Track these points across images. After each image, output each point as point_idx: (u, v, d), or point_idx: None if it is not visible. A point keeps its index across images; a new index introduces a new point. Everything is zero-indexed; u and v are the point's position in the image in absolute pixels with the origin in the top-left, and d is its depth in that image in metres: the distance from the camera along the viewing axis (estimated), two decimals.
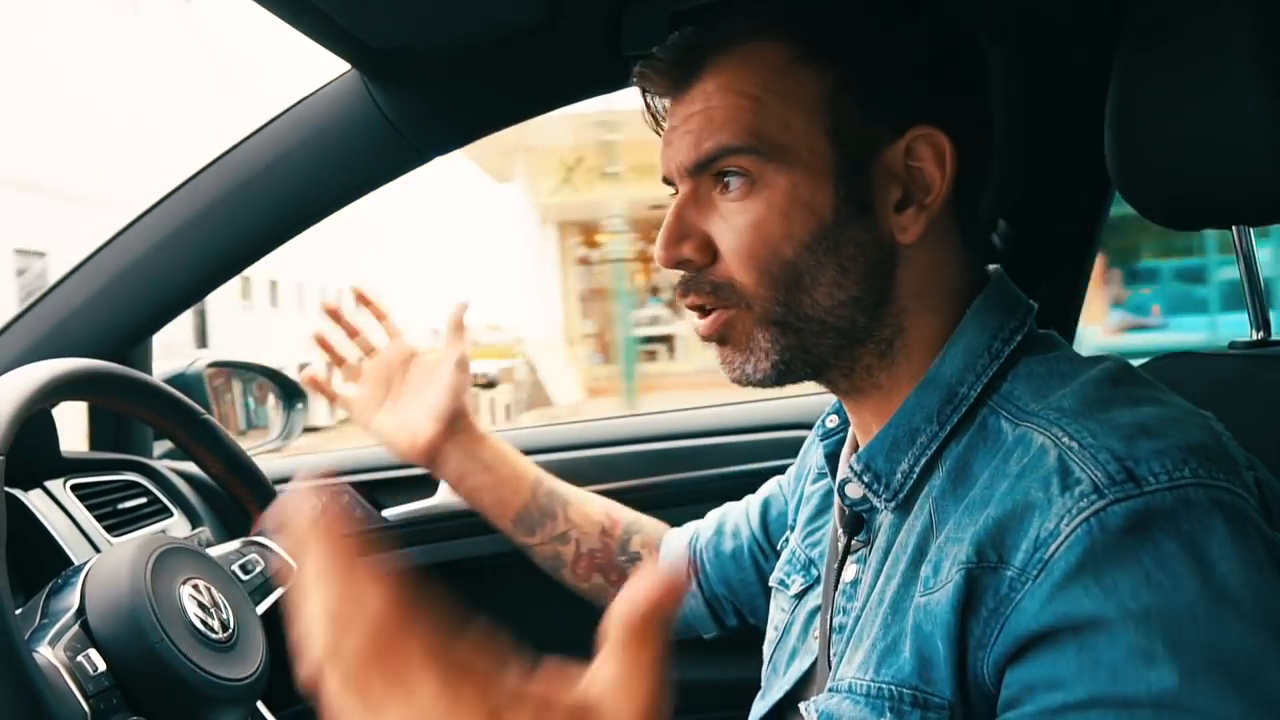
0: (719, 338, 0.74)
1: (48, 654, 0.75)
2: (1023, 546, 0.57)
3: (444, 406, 1.09)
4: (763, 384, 0.73)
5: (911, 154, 0.69)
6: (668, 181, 0.76)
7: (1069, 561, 0.55)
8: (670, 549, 1.14)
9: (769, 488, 1.10)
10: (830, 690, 0.69)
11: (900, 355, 0.72)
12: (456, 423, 1.10)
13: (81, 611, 0.81)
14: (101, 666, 0.78)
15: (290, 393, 1.62)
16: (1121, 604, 0.53)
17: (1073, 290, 1.33)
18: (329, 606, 0.40)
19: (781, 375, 0.72)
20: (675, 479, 1.42)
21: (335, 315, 1.15)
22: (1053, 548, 0.56)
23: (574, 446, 1.43)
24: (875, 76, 0.69)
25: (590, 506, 1.16)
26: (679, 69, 0.73)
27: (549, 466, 1.39)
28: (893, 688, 0.63)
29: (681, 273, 0.74)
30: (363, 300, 1.17)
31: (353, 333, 1.15)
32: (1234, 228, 0.96)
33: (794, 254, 0.69)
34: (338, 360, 1.15)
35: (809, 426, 1.06)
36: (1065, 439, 0.60)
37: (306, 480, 0.48)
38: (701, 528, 1.14)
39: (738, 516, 1.10)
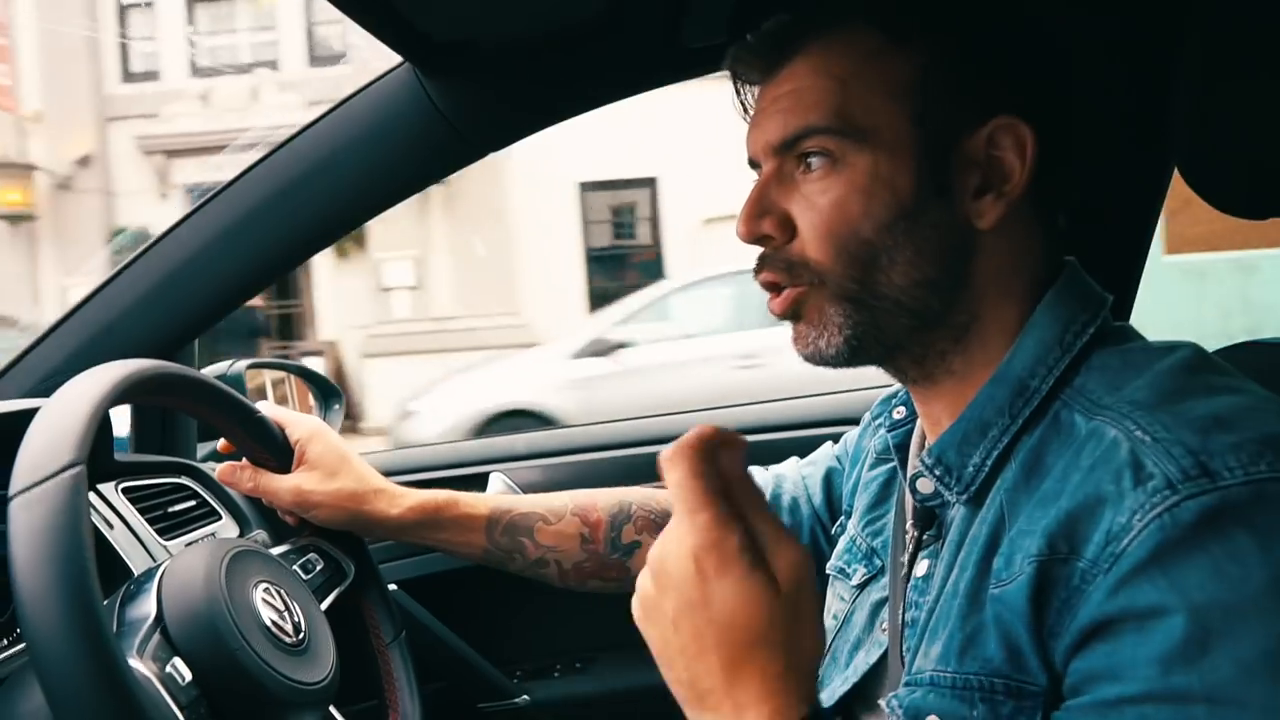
0: (792, 314, 0.74)
1: (138, 665, 0.73)
2: (1094, 539, 0.58)
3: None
4: (835, 360, 0.73)
5: (993, 142, 0.70)
6: (753, 165, 0.77)
7: (1139, 556, 0.56)
8: None
9: (827, 460, 1.07)
10: (909, 684, 0.69)
11: (975, 343, 0.72)
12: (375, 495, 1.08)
13: (160, 619, 0.79)
14: (188, 676, 0.76)
15: (326, 392, 1.61)
16: (1185, 594, 0.54)
17: (1127, 281, 1.31)
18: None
19: (854, 352, 0.73)
20: None
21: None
22: (1124, 542, 0.56)
23: (613, 446, 1.41)
24: (962, 64, 0.70)
25: (563, 525, 1.10)
26: (772, 53, 0.74)
27: (588, 467, 1.40)
28: (983, 678, 0.63)
29: (759, 249, 0.75)
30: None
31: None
32: None
33: (873, 233, 0.70)
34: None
35: (855, 422, 1.04)
36: (1138, 432, 0.60)
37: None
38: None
39: (793, 490, 1.07)
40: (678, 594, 0.58)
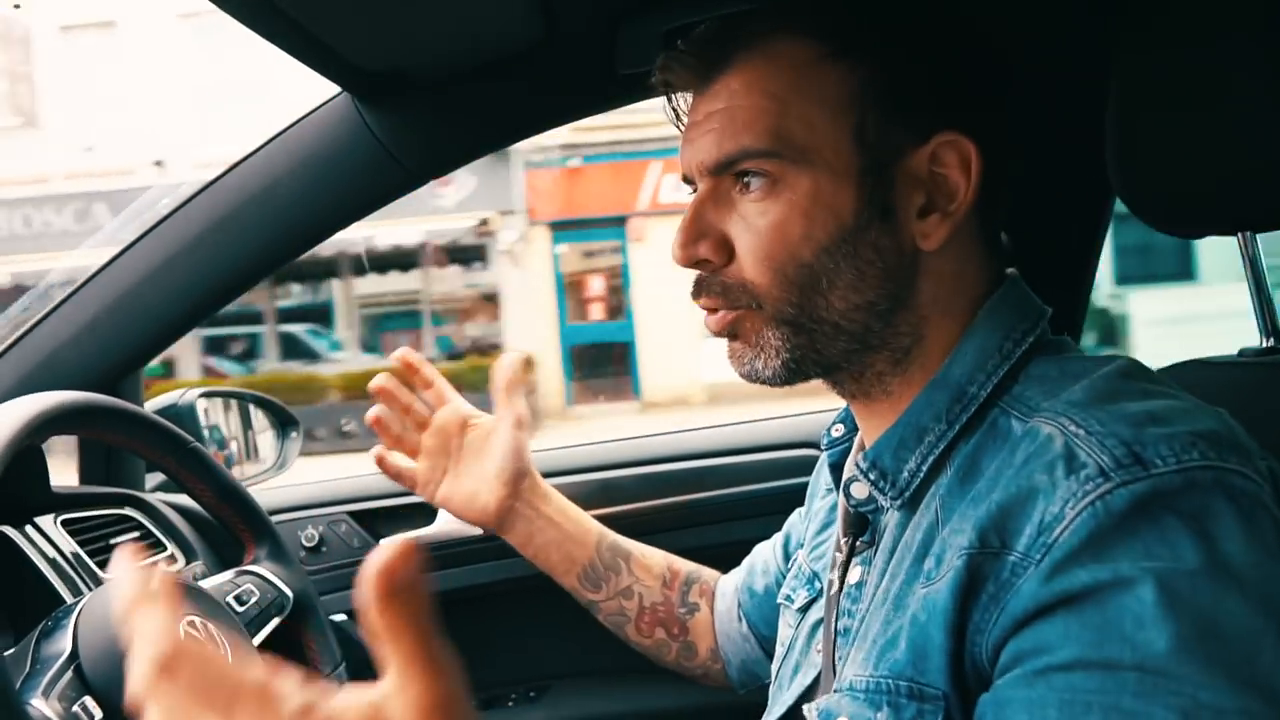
0: (729, 333, 0.73)
1: (41, 706, 0.72)
2: (1026, 531, 0.57)
3: (506, 471, 1.05)
4: (771, 382, 0.72)
5: (937, 160, 0.68)
6: (687, 180, 0.75)
7: (1072, 544, 0.55)
8: (721, 594, 1.13)
9: (791, 519, 1.08)
10: (834, 692, 0.68)
11: (915, 363, 0.71)
12: (521, 483, 1.07)
13: (74, 656, 0.78)
14: (98, 715, 0.75)
15: (283, 421, 1.60)
16: (1116, 571, 0.53)
17: (1075, 300, 1.31)
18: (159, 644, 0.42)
19: (791, 374, 0.72)
20: (680, 501, 1.40)
21: (388, 395, 1.08)
22: (1057, 531, 0.56)
23: (576, 470, 1.40)
24: (902, 78, 0.67)
25: (651, 560, 1.13)
26: (704, 64, 0.71)
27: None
28: (889, 681, 0.62)
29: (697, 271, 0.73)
30: (409, 369, 1.11)
31: (406, 409, 1.10)
32: (1240, 234, 0.95)
33: (812, 256, 0.68)
34: (396, 441, 1.09)
35: (815, 445, 1.04)
36: (1072, 427, 0.59)
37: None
38: (740, 570, 1.12)
39: (767, 553, 1.09)
40: None
